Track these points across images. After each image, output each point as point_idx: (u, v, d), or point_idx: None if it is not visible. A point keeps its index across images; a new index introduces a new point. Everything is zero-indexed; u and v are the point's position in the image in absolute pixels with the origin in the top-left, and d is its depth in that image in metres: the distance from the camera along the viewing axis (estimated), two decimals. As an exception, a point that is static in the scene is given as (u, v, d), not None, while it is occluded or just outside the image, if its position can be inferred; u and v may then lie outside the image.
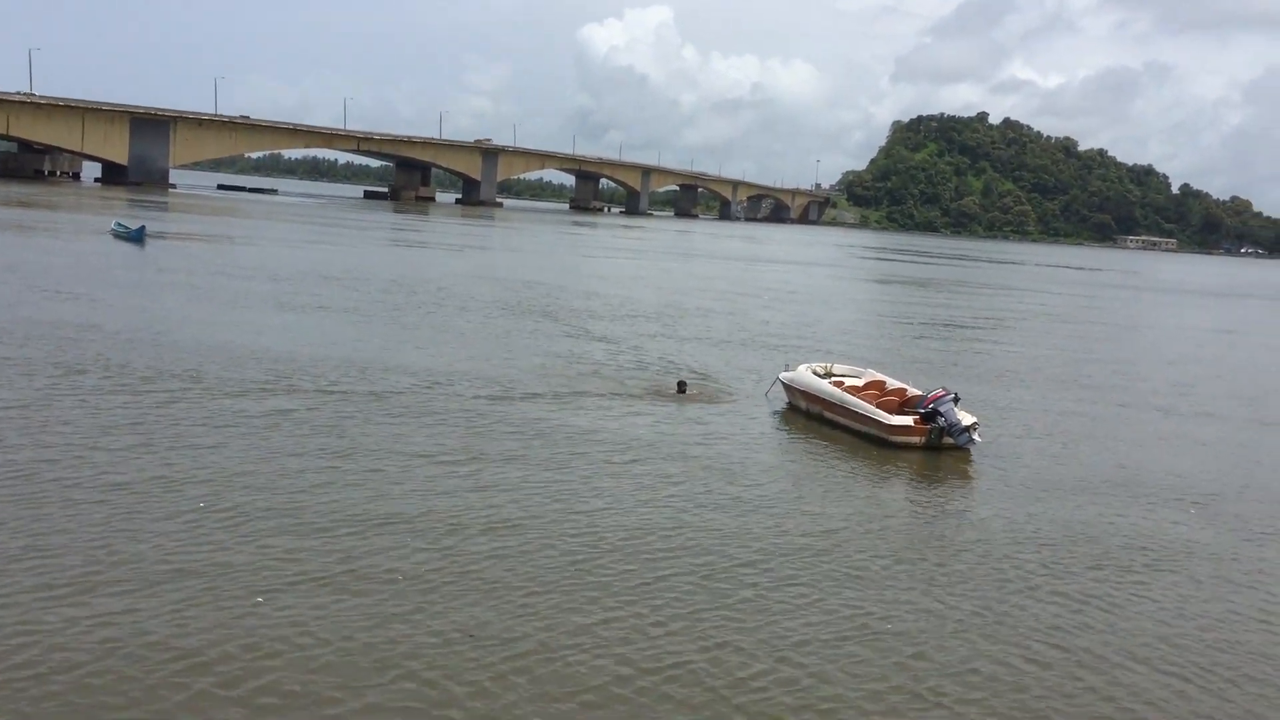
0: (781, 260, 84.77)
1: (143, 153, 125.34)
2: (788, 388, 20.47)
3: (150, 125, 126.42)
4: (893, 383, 20.18)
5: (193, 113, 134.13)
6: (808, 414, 19.68)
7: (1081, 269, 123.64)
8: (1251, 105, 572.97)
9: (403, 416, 16.67)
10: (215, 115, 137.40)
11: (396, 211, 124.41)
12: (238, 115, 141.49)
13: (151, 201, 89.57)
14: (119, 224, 49.08)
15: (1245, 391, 28.20)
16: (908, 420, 17.80)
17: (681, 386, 20.78)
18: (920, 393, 19.12)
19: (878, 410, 18.05)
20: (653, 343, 27.92)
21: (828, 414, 19.04)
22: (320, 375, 19.32)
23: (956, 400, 17.73)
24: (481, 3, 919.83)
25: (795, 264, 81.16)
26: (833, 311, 42.99)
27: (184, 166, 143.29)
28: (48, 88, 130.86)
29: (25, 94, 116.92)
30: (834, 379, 20.04)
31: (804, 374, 20.27)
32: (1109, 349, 37.45)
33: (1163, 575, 12.10)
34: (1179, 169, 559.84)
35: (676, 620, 9.65)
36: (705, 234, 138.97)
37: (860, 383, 20.11)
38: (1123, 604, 11.03)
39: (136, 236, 46.05)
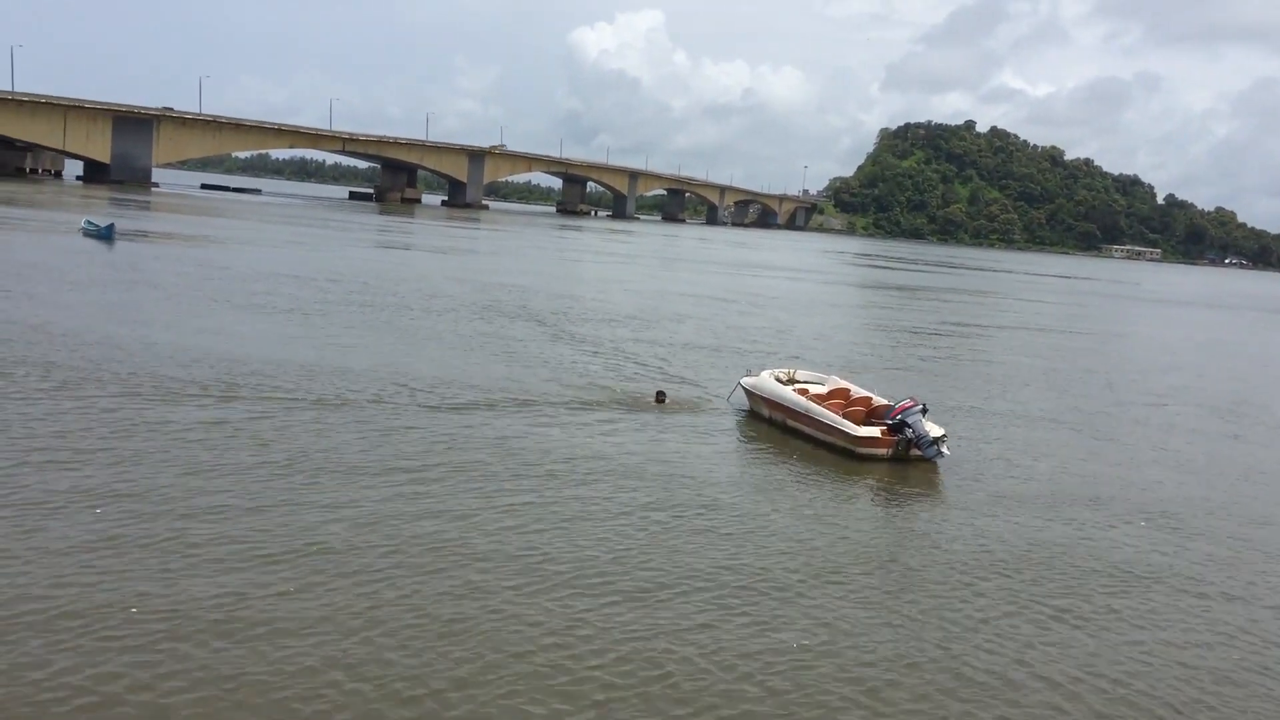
0: (770, 266, 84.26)
1: (125, 151, 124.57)
2: (750, 394, 19.97)
3: (133, 124, 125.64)
4: (857, 390, 19.65)
5: (177, 112, 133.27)
6: (770, 421, 19.18)
7: (1070, 278, 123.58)
8: (1239, 117, 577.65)
9: (352, 428, 16.02)
10: (199, 114, 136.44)
11: (381, 213, 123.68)
12: (222, 114, 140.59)
13: (132, 200, 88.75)
14: (89, 222, 48.36)
15: (1221, 404, 27.82)
16: (875, 431, 17.31)
17: (660, 396, 20.15)
18: (886, 401, 18.64)
19: (844, 421, 17.56)
20: (635, 348, 27.39)
21: (791, 422, 18.53)
22: (269, 381, 18.64)
23: (924, 411, 17.23)
24: (471, 5, 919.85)
25: (784, 270, 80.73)
26: (824, 318, 42.51)
27: (168, 166, 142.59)
28: (30, 85, 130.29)
29: (7, 91, 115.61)
30: (797, 386, 19.53)
31: (767, 380, 19.76)
32: (1087, 359, 37.05)
33: (1126, 598, 11.63)
34: (1165, 179, 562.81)
35: (626, 642, 9.14)
36: (693, 239, 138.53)
37: (824, 390, 19.61)
38: (1085, 626, 10.55)
39: (106, 234, 45.37)
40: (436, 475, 13.70)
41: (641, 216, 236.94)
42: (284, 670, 8.15)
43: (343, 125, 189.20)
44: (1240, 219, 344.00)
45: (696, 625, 9.72)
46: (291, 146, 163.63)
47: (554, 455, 15.39)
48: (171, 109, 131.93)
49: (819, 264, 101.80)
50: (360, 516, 11.82)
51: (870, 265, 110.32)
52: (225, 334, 23.47)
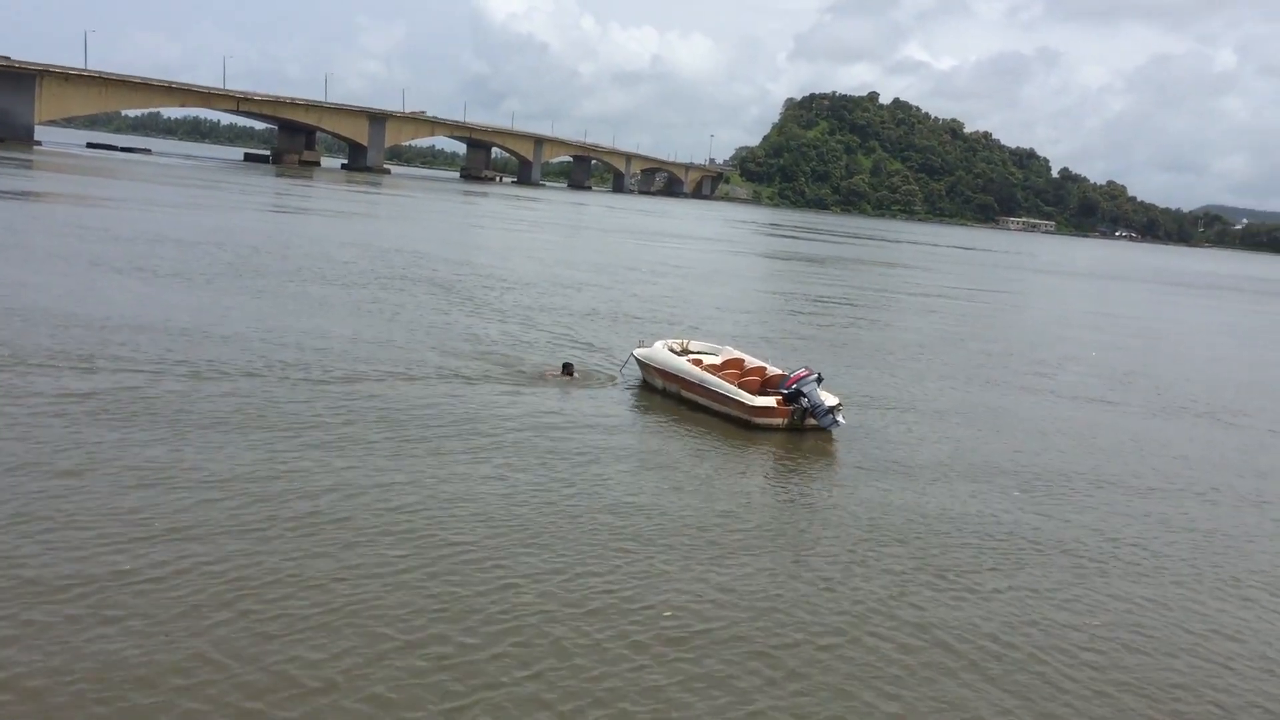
0: (676, 235, 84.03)
1: (5, 107, 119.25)
2: (643, 365, 19.65)
3: (13, 79, 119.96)
4: (751, 361, 19.51)
5: (61, 67, 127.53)
6: (664, 392, 18.91)
7: (969, 249, 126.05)
8: (1133, 93, 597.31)
9: (225, 402, 15.27)
10: (85, 70, 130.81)
11: (277, 176, 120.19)
12: (110, 71, 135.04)
13: (11, 159, 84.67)
14: (-42, 181, 46.02)
15: (1110, 374, 28.42)
16: (770, 401, 17.15)
17: (567, 369, 19.63)
18: (780, 371, 18.55)
19: (740, 391, 17.37)
20: (538, 317, 26.88)
21: (686, 393, 18.28)
22: (141, 351, 17.64)
23: (820, 381, 17.13)
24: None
25: (690, 239, 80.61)
26: (726, 288, 42.41)
27: (52, 123, 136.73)
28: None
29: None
30: (691, 356, 19.31)
31: (660, 351, 19.47)
32: (983, 330, 37.69)
33: (1015, 566, 11.61)
34: (1061, 153, 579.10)
35: (512, 625, 8.74)
36: (599, 206, 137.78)
37: (718, 360, 19.42)
38: (974, 594, 10.48)
39: (-24, 194, 43.18)
40: (315, 456, 13.05)
41: (547, 183, 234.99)
42: (115, 660, 7.60)
43: (240, 85, 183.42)
44: (1131, 193, 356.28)
45: (587, 607, 9.36)
46: (183, 105, 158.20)
47: (443, 431, 14.86)
48: (9, 57, 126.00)
49: (724, 233, 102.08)
50: (227, 497, 11.15)
51: (774, 235, 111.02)
52: (100, 300, 22.31)
